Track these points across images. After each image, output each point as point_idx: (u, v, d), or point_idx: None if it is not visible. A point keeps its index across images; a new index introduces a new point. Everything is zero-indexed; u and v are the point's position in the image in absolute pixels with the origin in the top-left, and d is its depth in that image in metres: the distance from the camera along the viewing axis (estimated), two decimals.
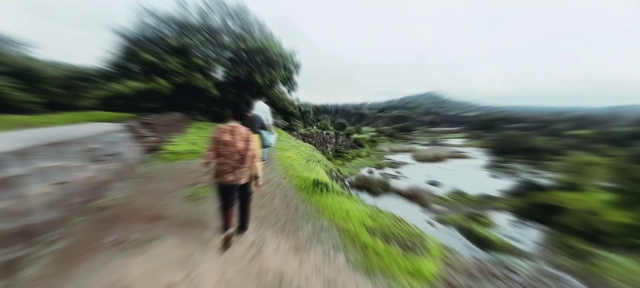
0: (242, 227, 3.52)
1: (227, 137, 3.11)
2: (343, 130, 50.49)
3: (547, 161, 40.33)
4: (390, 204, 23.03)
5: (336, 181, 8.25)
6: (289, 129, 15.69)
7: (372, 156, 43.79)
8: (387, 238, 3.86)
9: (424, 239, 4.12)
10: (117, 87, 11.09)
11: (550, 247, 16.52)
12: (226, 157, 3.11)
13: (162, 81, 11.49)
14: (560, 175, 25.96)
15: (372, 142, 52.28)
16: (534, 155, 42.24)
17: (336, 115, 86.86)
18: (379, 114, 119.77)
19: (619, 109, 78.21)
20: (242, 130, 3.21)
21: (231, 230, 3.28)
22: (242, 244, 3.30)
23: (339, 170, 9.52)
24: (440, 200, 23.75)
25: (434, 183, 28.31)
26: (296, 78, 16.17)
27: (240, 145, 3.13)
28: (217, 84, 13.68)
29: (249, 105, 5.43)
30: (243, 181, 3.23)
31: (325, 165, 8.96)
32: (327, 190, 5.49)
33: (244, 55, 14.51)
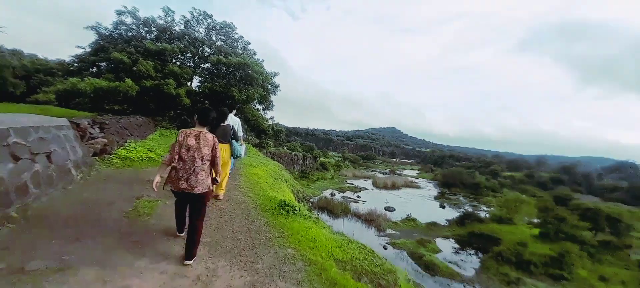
0: (188, 254, 2.83)
1: (191, 141, 2.81)
2: (311, 152, 50.04)
3: (485, 196, 43.10)
4: (349, 227, 22.67)
5: (303, 203, 7.50)
6: (260, 146, 14.65)
7: (336, 179, 43.63)
8: (358, 274, 3.27)
9: (397, 276, 3.59)
10: (75, 82, 9.44)
11: (486, 273, 17.00)
12: (185, 162, 2.77)
13: (129, 81, 10.01)
14: (496, 210, 27.50)
15: (337, 166, 52.34)
16: (475, 190, 44.90)
17: (306, 138, 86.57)
18: (346, 141, 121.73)
19: (544, 157, 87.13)
20: (209, 136, 2.90)
21: (181, 233, 3.30)
22: (185, 277, 2.52)
23: (304, 192, 8.69)
24: (394, 225, 23.87)
25: (389, 209, 28.56)
26: (273, 98, 15.51)
27: (205, 151, 2.84)
28: (190, 92, 12.36)
29: (224, 116, 4.86)
30: (197, 191, 2.80)
31: (293, 185, 8.10)
32: (293, 212, 4.79)
33: (224, 68, 13.42)
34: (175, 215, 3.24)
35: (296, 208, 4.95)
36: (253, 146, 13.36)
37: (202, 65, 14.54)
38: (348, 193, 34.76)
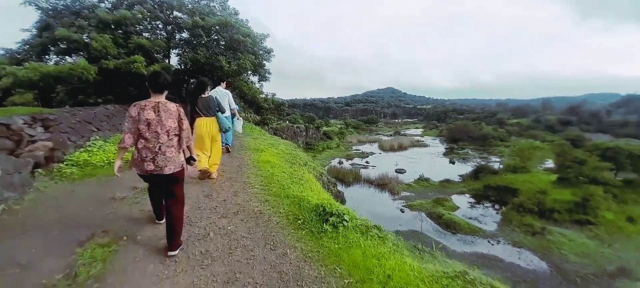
0: (171, 245, 2.52)
1: (150, 115, 2.37)
2: (312, 123, 49.09)
3: (494, 147, 42.61)
4: (362, 193, 22.38)
5: (331, 189, 6.39)
6: (262, 123, 13.34)
7: (341, 147, 43.09)
8: None
9: None
10: (14, 71, 7.68)
11: (508, 226, 16.78)
12: (148, 141, 2.38)
13: (83, 62, 8.09)
14: (508, 159, 26.95)
15: (341, 134, 51.59)
16: (483, 142, 44.33)
17: (304, 110, 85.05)
18: (345, 107, 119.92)
19: (549, 99, 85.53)
20: (171, 105, 2.48)
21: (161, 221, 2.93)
22: None
23: (326, 173, 7.53)
24: (407, 187, 23.55)
25: (400, 171, 28.19)
26: (267, 66, 13.62)
27: (170, 123, 2.43)
28: (168, 70, 10.58)
29: (203, 86, 4.48)
30: (167, 171, 2.44)
31: (314, 168, 6.70)
32: (343, 224, 3.03)
33: (203, 33, 11.23)
34: (151, 201, 2.92)
35: (344, 216, 3.13)
36: (255, 124, 12.08)
37: (177, 35, 12.30)
38: (356, 160, 34.32)
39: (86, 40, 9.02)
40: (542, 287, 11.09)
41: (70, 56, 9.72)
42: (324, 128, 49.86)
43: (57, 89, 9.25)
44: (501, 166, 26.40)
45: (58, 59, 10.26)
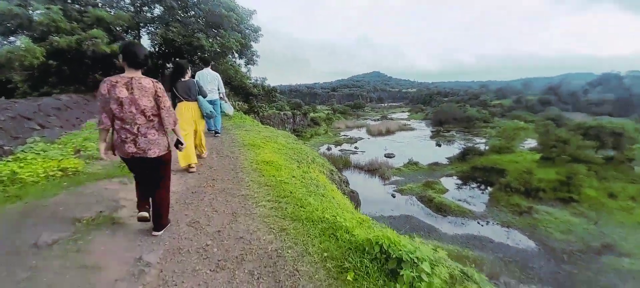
0: (156, 225, 2.47)
1: (121, 92, 2.10)
2: (300, 109, 48.19)
3: (479, 128, 43.38)
4: (354, 179, 22.19)
5: (343, 189, 5.36)
6: (252, 112, 12.14)
7: (330, 133, 42.66)
8: None
9: None
10: None
11: (496, 206, 17.08)
12: (124, 121, 2.15)
13: (26, 41, 6.63)
14: (494, 140, 27.39)
15: (328, 119, 51.04)
16: (468, 124, 45.01)
17: (290, 96, 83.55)
18: (332, 93, 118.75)
19: (529, 80, 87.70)
20: (146, 82, 2.18)
21: (144, 213, 2.45)
22: None
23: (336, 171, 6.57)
24: (397, 171, 23.55)
25: (389, 156, 28.19)
26: (255, 47, 12.19)
27: (145, 102, 2.16)
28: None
29: (182, 69, 4.15)
30: (152, 154, 2.25)
31: (323, 165, 5.65)
32: (422, 280, 1.78)
33: (176, 6, 9.63)
34: (136, 190, 2.51)
35: (420, 264, 1.87)
36: (244, 113, 10.92)
37: (148, 10, 10.61)
38: (345, 146, 34.08)
39: (32, 14, 7.54)
40: (532, 265, 11.29)
41: (15, 36, 8.29)
42: (312, 114, 49.06)
43: (13, 78, 8.10)
44: (487, 147, 26.81)
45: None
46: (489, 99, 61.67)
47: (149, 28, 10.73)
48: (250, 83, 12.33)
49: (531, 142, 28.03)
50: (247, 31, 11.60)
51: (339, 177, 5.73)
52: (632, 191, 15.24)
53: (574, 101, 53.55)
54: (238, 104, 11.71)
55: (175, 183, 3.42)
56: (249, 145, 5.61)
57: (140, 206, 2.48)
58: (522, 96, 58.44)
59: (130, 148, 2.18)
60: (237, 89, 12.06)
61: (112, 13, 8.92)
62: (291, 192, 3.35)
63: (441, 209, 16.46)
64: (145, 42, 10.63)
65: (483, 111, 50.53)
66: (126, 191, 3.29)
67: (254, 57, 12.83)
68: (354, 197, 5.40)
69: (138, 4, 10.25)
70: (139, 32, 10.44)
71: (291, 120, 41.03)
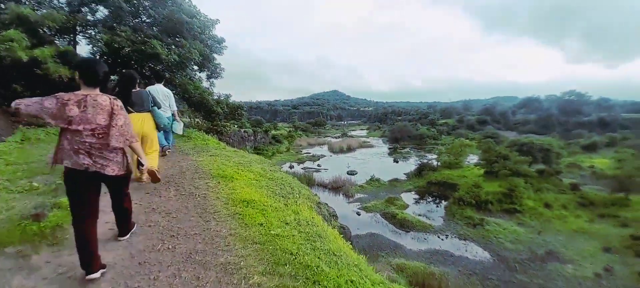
0: (122, 231, 2.50)
1: (72, 111, 1.89)
2: (261, 127, 46.82)
3: (429, 145, 46.49)
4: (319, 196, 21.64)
5: (332, 223, 4.66)
6: (214, 132, 10.59)
7: (292, 151, 41.92)
8: None
9: None
10: None
11: (452, 219, 17.89)
12: (73, 136, 1.94)
13: None
14: (444, 156, 29.29)
15: (290, 137, 50.35)
16: (420, 141, 48.01)
17: (251, 113, 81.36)
18: (293, 110, 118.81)
19: (469, 102, 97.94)
20: (103, 99, 2.00)
21: (95, 274, 1.96)
22: None
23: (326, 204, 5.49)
24: (361, 188, 23.68)
25: (352, 173, 28.38)
26: (218, 59, 10.79)
27: (101, 121, 1.98)
28: (68, 55, 7.32)
29: (133, 79, 3.81)
30: (110, 171, 2.03)
31: (308, 196, 4.74)
32: None
33: (125, 7, 8.01)
34: (76, 231, 2.00)
35: None
36: (205, 133, 9.33)
37: (86, 9, 8.79)
38: (307, 164, 33.64)
39: None
40: (490, 276, 11.71)
41: None
42: (273, 132, 47.97)
43: None
44: (439, 163, 28.53)
45: None
46: (436, 118, 66.98)
47: (89, 32, 8.95)
48: (213, 99, 10.97)
49: (473, 158, 30.76)
50: (209, 42, 10.34)
51: (327, 210, 4.98)
52: (563, 200, 17.15)
53: (504, 121, 60.82)
54: (196, 122, 10.39)
55: (113, 247, 2.38)
56: (218, 176, 4.45)
57: (91, 258, 1.99)
58: (463, 116, 64.71)
59: (85, 160, 1.96)
60: (198, 105, 10.50)
61: (39, 12, 7.33)
62: (292, 254, 2.45)
63: (404, 225, 16.67)
64: (83, 48, 8.92)
65: (432, 129, 54.57)
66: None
67: (218, 70, 11.40)
68: (346, 233, 4.82)
69: (75, 3, 8.48)
70: (75, 36, 8.68)
71: (252, 138, 39.49)
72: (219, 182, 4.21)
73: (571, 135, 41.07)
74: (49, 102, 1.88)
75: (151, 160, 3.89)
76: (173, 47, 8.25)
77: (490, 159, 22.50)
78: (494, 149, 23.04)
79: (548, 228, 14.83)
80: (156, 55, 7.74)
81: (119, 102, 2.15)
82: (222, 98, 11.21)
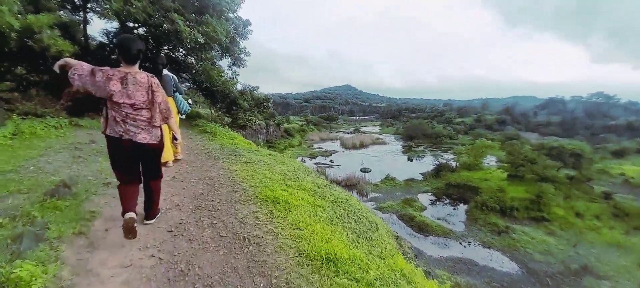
0: (149, 214, 2.64)
1: (115, 86, 2.09)
2: (273, 120, 46.54)
3: (445, 144, 45.12)
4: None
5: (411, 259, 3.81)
6: (235, 126, 9.77)
7: (304, 145, 41.54)
8: None
9: None
10: None
11: (475, 225, 17.05)
12: (112, 107, 2.15)
13: None
14: (465, 157, 28.17)
15: (302, 131, 49.91)
16: (436, 140, 46.67)
17: None
18: (304, 104, 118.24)
19: (487, 101, 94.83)
20: (142, 76, 2.19)
21: (131, 214, 2.26)
22: None
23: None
24: (375, 187, 23.02)
25: (365, 171, 27.73)
26: (244, 44, 9.62)
27: (139, 97, 2.18)
28: (73, 36, 6.80)
29: (163, 65, 3.90)
30: (141, 139, 2.23)
31: (387, 230, 3.87)
32: None
33: None
34: (119, 186, 2.34)
35: None
36: (230, 128, 8.43)
37: None
38: (320, 159, 33.15)
39: None
40: None
41: None
42: (285, 125, 47.61)
43: None
44: (457, 164, 27.46)
45: None
46: (452, 116, 65.04)
47: (101, 4, 7.86)
48: (238, 91, 10.18)
49: (491, 159, 29.48)
50: (235, 22, 9.22)
51: (407, 246, 4.17)
52: (595, 210, 16.02)
53: (525, 122, 58.41)
54: (218, 115, 9.75)
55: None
56: (266, 198, 3.40)
57: (127, 206, 2.28)
58: (481, 115, 62.57)
59: (119, 128, 2.18)
60: (219, 95, 9.62)
61: None
62: None
63: (423, 229, 15.95)
64: (96, 27, 8.33)
65: (448, 128, 52.97)
66: None
67: (242, 57, 10.13)
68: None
69: None
70: (86, 11, 7.73)
71: (264, 130, 39.24)
72: (272, 211, 3.13)
73: (598, 140, 38.95)
74: (98, 76, 2.04)
75: (170, 150, 4.01)
76: (197, 25, 7.15)
77: (515, 162, 21.36)
78: (520, 152, 21.85)
79: (580, 240, 13.83)
80: (177, 34, 6.63)
81: (156, 80, 2.28)
82: (247, 89, 10.37)
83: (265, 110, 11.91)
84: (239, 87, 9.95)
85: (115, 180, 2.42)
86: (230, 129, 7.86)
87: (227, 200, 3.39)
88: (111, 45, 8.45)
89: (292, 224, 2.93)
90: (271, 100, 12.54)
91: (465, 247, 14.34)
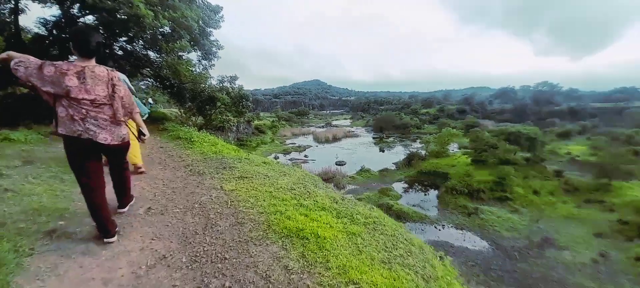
0: (122, 203, 2.65)
1: (71, 81, 1.92)
2: (243, 117, 44.93)
3: (413, 134, 47.00)
4: None
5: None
6: (212, 128, 8.66)
7: (276, 142, 40.67)
8: None
9: None
10: None
11: (446, 208, 17.89)
12: (70, 105, 1.97)
13: None
14: (433, 146, 29.49)
15: (274, 127, 48.85)
16: (404, 130, 48.41)
17: None
18: (274, 100, 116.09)
19: (448, 92, 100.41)
20: (100, 70, 2.05)
21: (113, 239, 2.21)
22: None
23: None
24: (352, 179, 23.19)
25: (340, 163, 27.85)
26: (215, 34, 8.48)
27: (100, 92, 2.04)
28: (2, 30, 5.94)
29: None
30: (102, 140, 2.08)
31: (432, 254, 3.04)
32: None
33: None
34: (85, 195, 2.15)
35: None
36: (202, 130, 7.28)
37: None
38: (294, 154, 32.71)
39: None
40: (492, 266, 11.62)
41: None
42: (256, 122, 46.21)
43: None
44: (426, 152, 28.67)
45: None
46: (418, 107, 67.94)
47: None
48: (214, 86, 9.00)
49: (454, 146, 31.33)
50: (205, 10, 8.00)
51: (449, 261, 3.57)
52: (549, 187, 17.60)
53: (482, 110, 62.93)
54: (188, 116, 8.59)
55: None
56: (284, 229, 2.62)
57: (105, 224, 2.20)
58: (444, 106, 66.19)
59: (78, 127, 2.01)
60: (188, 93, 8.36)
61: None
62: None
63: (400, 216, 16.32)
64: (31, 16, 6.92)
65: (415, 119, 55.27)
66: None
67: (214, 49, 8.84)
68: None
69: None
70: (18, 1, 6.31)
71: (234, 128, 37.70)
72: (303, 253, 2.31)
73: (544, 124, 43.11)
74: (48, 70, 1.88)
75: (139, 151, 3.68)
76: (162, 9, 6.00)
77: (478, 148, 22.75)
78: (482, 138, 23.30)
79: (541, 216, 15.09)
80: (137, 21, 5.50)
81: (117, 73, 2.16)
82: (225, 83, 9.26)
83: (244, 108, 10.84)
84: (213, 82, 8.92)
85: (62, 225, 2.15)
86: (206, 132, 6.97)
87: (234, 239, 2.47)
88: (51, 38, 7.25)
89: (339, 273, 2.11)
90: (250, 98, 11.59)
91: (440, 230, 14.95)
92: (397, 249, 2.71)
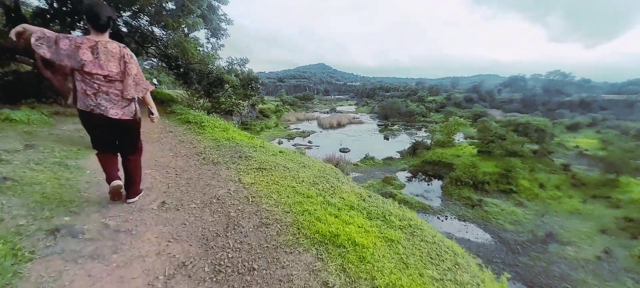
0: (130, 193, 2.52)
1: (85, 55, 1.95)
2: (247, 100, 44.67)
3: (419, 122, 46.51)
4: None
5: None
6: (220, 112, 8.50)
7: (280, 126, 40.59)
8: None
9: None
10: None
11: (450, 199, 17.88)
12: (84, 79, 2.02)
13: None
14: (438, 135, 29.19)
15: (278, 111, 48.60)
16: (410, 118, 47.88)
17: None
18: (279, 83, 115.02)
19: (456, 79, 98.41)
20: (113, 46, 2.05)
21: (117, 182, 2.38)
22: None
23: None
24: (355, 167, 23.22)
25: (345, 150, 27.82)
26: (224, 10, 7.95)
27: (113, 68, 2.05)
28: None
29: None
30: (113, 114, 2.12)
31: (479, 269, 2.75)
32: None
33: None
34: (98, 156, 2.35)
35: None
36: (210, 113, 7.03)
37: None
38: (298, 140, 32.69)
39: None
40: (494, 259, 11.69)
41: None
42: (260, 106, 45.98)
43: None
44: (432, 142, 28.41)
45: None
46: (425, 95, 66.89)
47: None
48: (222, 68, 8.72)
49: (460, 135, 30.95)
50: None
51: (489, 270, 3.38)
52: (556, 181, 17.41)
53: (490, 99, 61.74)
54: (196, 99, 8.40)
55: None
56: (316, 234, 2.40)
57: (111, 175, 2.36)
58: (451, 94, 65.05)
59: (90, 102, 2.07)
60: (196, 75, 7.93)
61: None
62: None
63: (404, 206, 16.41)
64: None
65: (421, 106, 54.51)
66: None
67: (223, 24, 8.25)
68: None
69: None
70: None
71: (239, 111, 37.62)
72: (343, 265, 2.11)
73: (554, 115, 42.29)
74: (64, 43, 1.90)
75: None
76: None
77: (486, 138, 22.45)
78: (490, 129, 22.93)
79: (546, 210, 15.01)
80: None
81: (129, 50, 2.15)
82: (234, 65, 8.89)
83: (253, 91, 10.55)
84: (221, 63, 8.61)
85: (68, 222, 2.12)
86: (216, 116, 6.79)
87: (261, 245, 2.23)
88: (52, 11, 7.01)
89: None
90: (260, 81, 11.21)
91: (442, 221, 14.99)
92: (444, 261, 2.49)
